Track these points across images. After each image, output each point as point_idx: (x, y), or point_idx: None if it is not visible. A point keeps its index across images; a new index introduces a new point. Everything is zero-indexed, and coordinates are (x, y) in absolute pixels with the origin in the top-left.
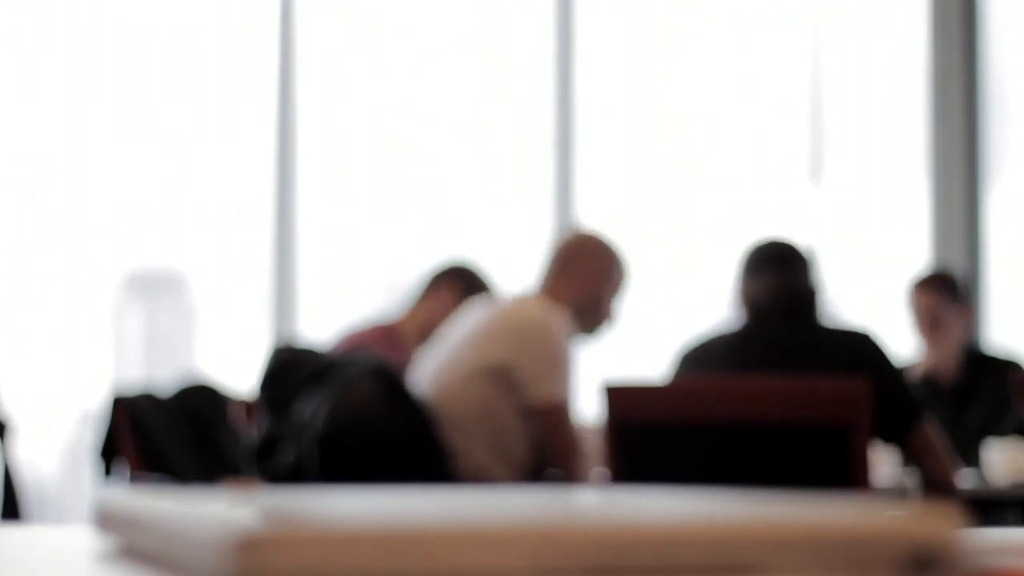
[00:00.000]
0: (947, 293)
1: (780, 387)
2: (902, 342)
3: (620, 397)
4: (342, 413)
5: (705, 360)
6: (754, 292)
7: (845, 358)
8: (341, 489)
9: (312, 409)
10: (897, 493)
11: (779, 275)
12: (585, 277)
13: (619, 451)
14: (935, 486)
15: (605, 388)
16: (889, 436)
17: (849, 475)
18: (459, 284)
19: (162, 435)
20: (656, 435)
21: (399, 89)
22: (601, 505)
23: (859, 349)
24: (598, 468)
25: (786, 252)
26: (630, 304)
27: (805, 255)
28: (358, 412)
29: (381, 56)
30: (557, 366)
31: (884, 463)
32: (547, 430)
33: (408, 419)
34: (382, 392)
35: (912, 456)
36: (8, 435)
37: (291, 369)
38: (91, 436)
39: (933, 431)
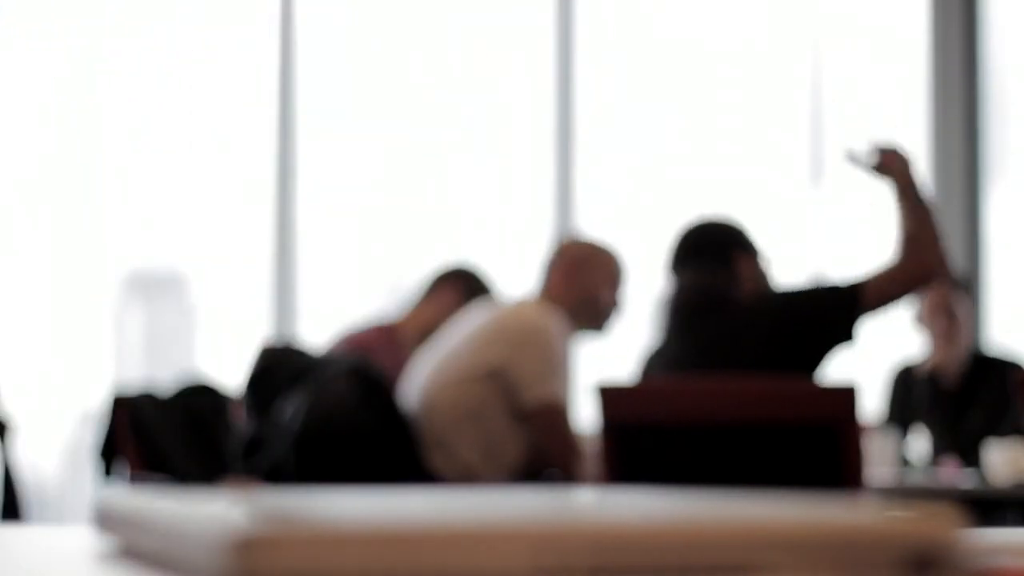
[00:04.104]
0: (958, 291)
1: (775, 387)
2: (902, 342)
3: (615, 397)
4: (317, 413)
5: (657, 366)
6: (668, 295)
7: (766, 325)
8: (340, 489)
9: (292, 409)
10: (893, 493)
11: (686, 274)
12: (583, 281)
13: (615, 451)
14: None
15: (600, 388)
16: (852, 324)
17: (844, 474)
18: (461, 287)
19: (162, 435)
20: (651, 435)
21: (399, 89)
22: (601, 505)
23: (771, 306)
24: (596, 469)
25: (692, 244)
26: (630, 307)
27: (714, 239)
28: (333, 412)
29: (382, 57)
30: (553, 367)
31: (879, 462)
32: (544, 431)
33: (383, 419)
34: (357, 392)
35: (885, 284)
36: (8, 435)
37: (275, 370)
38: (91, 436)
39: (878, 274)
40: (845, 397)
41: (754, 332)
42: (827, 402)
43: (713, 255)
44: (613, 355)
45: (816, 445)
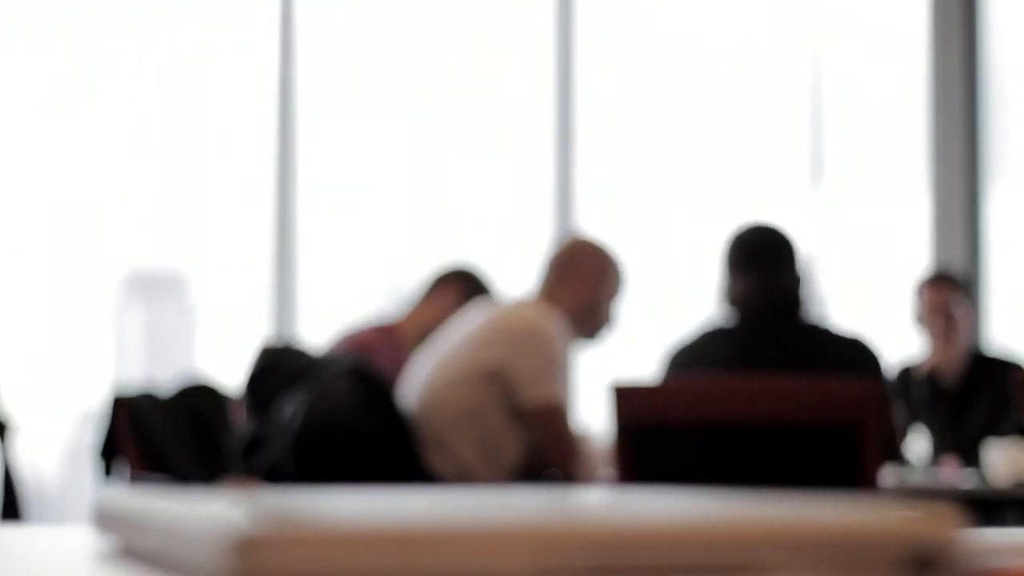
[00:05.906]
0: (958, 291)
1: (790, 387)
2: (902, 342)
3: (629, 397)
4: (317, 413)
5: (695, 361)
6: (738, 291)
7: (839, 363)
8: (340, 489)
9: (292, 409)
10: (903, 494)
11: (762, 273)
12: (582, 283)
13: (628, 451)
14: None
15: (614, 388)
16: None
17: (859, 476)
18: (462, 287)
19: (162, 435)
20: (666, 435)
21: (399, 89)
22: (601, 505)
23: (855, 357)
24: (606, 469)
25: (768, 245)
26: (631, 308)
27: (787, 245)
28: (332, 412)
29: (382, 57)
30: (552, 368)
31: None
32: (544, 431)
33: (382, 419)
34: (357, 392)
35: None
36: (8, 435)
37: (275, 370)
38: (91, 436)
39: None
40: (863, 397)
41: (825, 362)
42: (845, 402)
43: (779, 254)
44: (612, 360)
45: (833, 445)
